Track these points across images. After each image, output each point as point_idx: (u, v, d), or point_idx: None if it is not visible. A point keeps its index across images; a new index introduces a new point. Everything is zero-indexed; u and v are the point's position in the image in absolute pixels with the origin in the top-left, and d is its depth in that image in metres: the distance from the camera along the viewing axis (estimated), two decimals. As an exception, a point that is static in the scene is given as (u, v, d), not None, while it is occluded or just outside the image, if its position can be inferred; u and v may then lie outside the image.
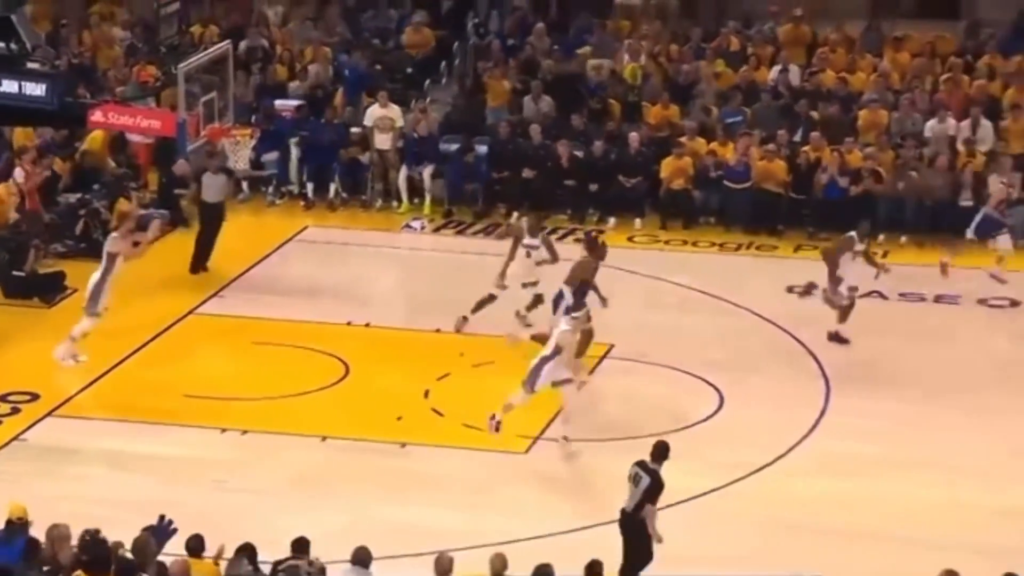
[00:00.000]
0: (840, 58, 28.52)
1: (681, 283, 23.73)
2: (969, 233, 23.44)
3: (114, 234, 21.25)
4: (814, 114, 27.33)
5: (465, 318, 21.63)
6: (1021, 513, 17.16)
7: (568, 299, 20.12)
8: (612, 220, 26.40)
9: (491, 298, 21.51)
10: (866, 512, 17.20)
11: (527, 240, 21.63)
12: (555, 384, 18.52)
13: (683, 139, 26.74)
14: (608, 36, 29.63)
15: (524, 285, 21.45)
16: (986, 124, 26.61)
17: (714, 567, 15.53)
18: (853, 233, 21.61)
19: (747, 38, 29.34)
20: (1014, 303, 23.01)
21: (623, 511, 15.45)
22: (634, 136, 26.82)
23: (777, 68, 28.23)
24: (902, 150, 26.28)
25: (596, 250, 21.03)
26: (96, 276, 20.59)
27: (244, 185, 27.33)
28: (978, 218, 23.46)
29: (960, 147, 26.31)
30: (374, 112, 27.23)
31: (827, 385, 20.33)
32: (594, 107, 27.65)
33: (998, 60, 28.00)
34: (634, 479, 15.49)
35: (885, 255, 24.72)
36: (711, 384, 20.26)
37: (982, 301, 22.78)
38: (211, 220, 24.07)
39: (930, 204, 25.56)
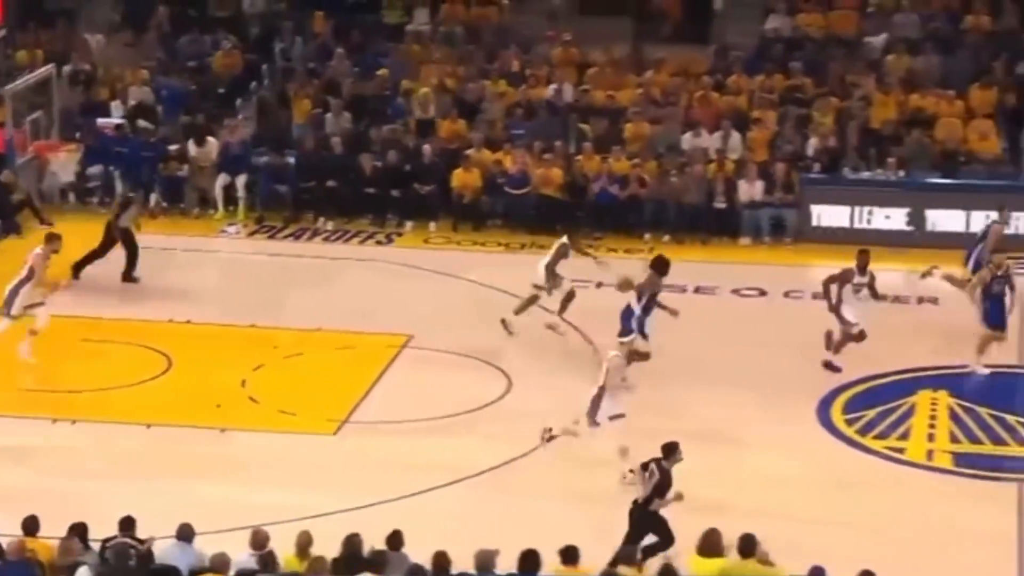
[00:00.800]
0: (608, 78, 28.68)
1: (472, 280, 23.66)
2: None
3: (38, 250, 20.59)
4: (586, 127, 27.48)
5: (505, 321, 21.13)
6: (778, 479, 17.37)
7: (636, 309, 19.56)
8: (409, 224, 26.27)
9: (534, 299, 21.17)
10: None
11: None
12: (611, 419, 17.34)
13: (471, 151, 26.72)
14: (402, 59, 29.47)
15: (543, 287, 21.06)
16: (735, 135, 26.95)
17: (507, 535, 15.36)
18: (852, 267, 20.06)
19: (526, 60, 29.37)
20: (762, 292, 23.31)
21: (635, 502, 15.20)
22: (427, 148, 26.73)
23: (553, 87, 28.31)
24: (663, 159, 26.51)
25: (662, 269, 20.08)
26: (12, 283, 20.07)
27: (71, 196, 26.82)
28: (973, 257, 21.63)
29: (713, 156, 26.60)
30: (193, 147, 26.88)
31: (604, 368, 20.33)
32: (394, 127, 27.50)
33: (744, 79, 28.35)
34: (649, 474, 15.22)
35: (651, 251, 24.97)
36: (500, 369, 20.19)
37: (736, 291, 23.05)
38: (128, 240, 23.34)
39: (689, 206, 25.82)
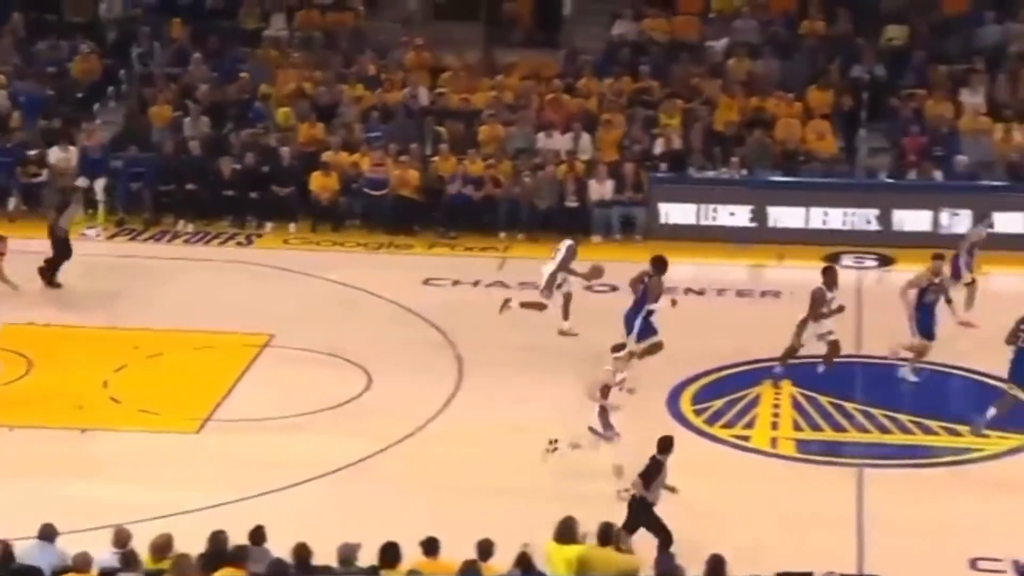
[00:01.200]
0: (462, 81, 28.67)
1: (332, 279, 23.50)
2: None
3: None
4: (441, 129, 27.44)
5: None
6: (629, 468, 17.35)
7: (657, 307, 19.21)
8: (269, 225, 26.10)
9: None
10: (489, 471, 17.20)
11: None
12: (591, 428, 16.95)
13: (329, 153, 26.56)
14: (260, 64, 29.19)
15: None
16: (585, 137, 27.09)
17: (369, 528, 15.27)
18: (821, 285, 19.37)
19: (382, 65, 29.24)
20: (613, 288, 23.38)
21: (633, 496, 15.05)
22: (285, 151, 26.55)
23: (407, 90, 28.23)
24: (517, 160, 26.57)
25: (664, 269, 19.66)
26: None
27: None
28: (961, 261, 21.08)
29: (564, 157, 26.69)
30: (55, 153, 26.41)
31: (460, 364, 20.35)
32: (254, 130, 27.23)
33: (593, 82, 28.51)
34: (644, 467, 15.12)
35: (506, 249, 25.10)
36: (360, 366, 20.06)
37: (588, 287, 23.10)
38: (65, 242, 22.98)
39: (542, 206, 25.90)
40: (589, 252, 24.39)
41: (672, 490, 15.26)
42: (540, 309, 20.78)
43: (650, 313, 19.27)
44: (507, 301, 20.87)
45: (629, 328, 19.29)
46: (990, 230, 22.56)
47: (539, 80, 28.64)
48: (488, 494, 16.56)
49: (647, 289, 19.40)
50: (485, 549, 13.23)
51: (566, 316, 20.87)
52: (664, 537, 14.78)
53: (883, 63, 28.36)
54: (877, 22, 29.14)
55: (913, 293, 19.46)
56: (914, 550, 15.36)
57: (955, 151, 26.50)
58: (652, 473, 15.05)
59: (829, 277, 19.44)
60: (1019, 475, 17.56)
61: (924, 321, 19.43)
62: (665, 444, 15.33)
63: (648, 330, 19.24)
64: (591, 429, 16.94)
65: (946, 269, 20.01)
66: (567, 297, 20.85)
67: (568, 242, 21.14)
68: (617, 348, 18.59)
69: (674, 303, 19.64)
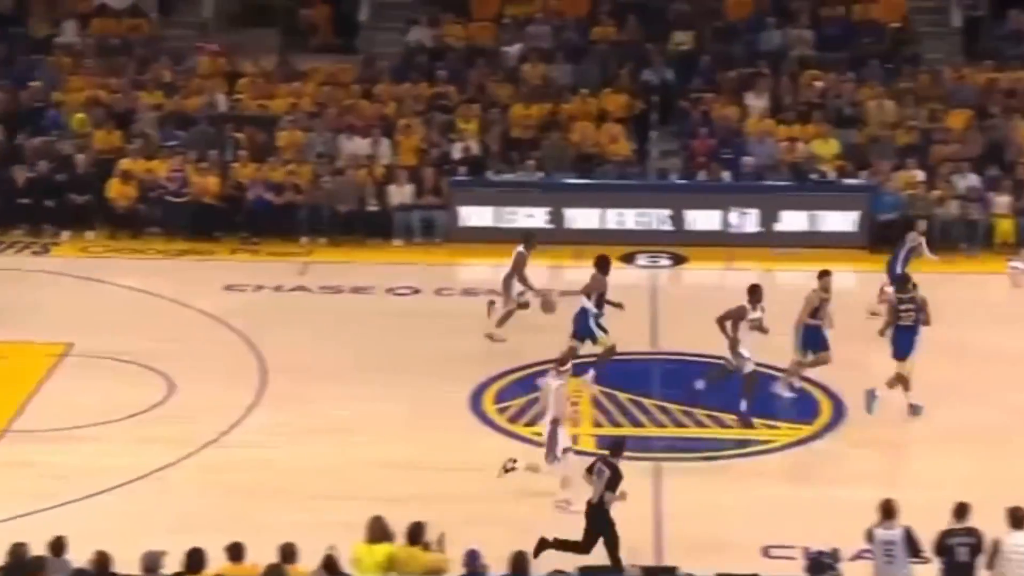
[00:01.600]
0: (259, 87, 28.35)
1: (132, 286, 23.05)
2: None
3: None
4: (240, 136, 27.10)
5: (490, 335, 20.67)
6: (433, 466, 17.42)
7: (592, 308, 19.05)
8: (65, 234, 25.48)
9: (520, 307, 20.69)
10: (295, 474, 17.07)
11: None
12: (563, 451, 16.57)
13: (126, 161, 26.05)
14: (52, 71, 28.48)
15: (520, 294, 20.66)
16: (384, 141, 27.01)
17: (175, 535, 15.01)
18: (745, 303, 18.36)
19: (178, 71, 28.76)
20: (416, 291, 23.42)
21: (589, 502, 14.79)
22: (80, 158, 25.98)
23: (205, 97, 27.82)
24: (317, 165, 26.38)
25: (607, 268, 19.42)
26: None
27: None
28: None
29: (364, 162, 26.59)
30: None
31: (263, 368, 20.13)
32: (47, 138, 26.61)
33: (391, 88, 28.43)
34: (597, 473, 14.81)
35: (308, 254, 24.92)
36: (162, 373, 19.72)
37: (391, 290, 23.10)
38: None
39: (343, 210, 25.76)
40: (391, 255, 24.47)
41: (622, 495, 15.00)
42: (522, 308, 20.78)
43: (588, 312, 19.26)
44: (492, 303, 20.99)
45: (591, 335, 19.21)
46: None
47: (337, 86, 28.46)
48: (294, 497, 16.43)
49: (589, 283, 19.40)
50: (288, 552, 13.11)
51: (500, 324, 20.77)
52: (583, 547, 14.73)
53: (672, 67, 28.83)
54: (665, 28, 29.61)
55: (807, 317, 19.02)
56: (710, 540, 15.64)
57: (742, 152, 27.07)
58: (617, 480, 14.91)
59: (754, 296, 18.46)
60: (808, 465, 18.02)
61: (817, 336, 19.13)
62: (616, 446, 15.33)
63: (601, 329, 19.29)
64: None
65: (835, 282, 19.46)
66: (521, 306, 20.79)
67: (518, 248, 20.99)
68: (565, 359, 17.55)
69: (621, 307, 19.58)
